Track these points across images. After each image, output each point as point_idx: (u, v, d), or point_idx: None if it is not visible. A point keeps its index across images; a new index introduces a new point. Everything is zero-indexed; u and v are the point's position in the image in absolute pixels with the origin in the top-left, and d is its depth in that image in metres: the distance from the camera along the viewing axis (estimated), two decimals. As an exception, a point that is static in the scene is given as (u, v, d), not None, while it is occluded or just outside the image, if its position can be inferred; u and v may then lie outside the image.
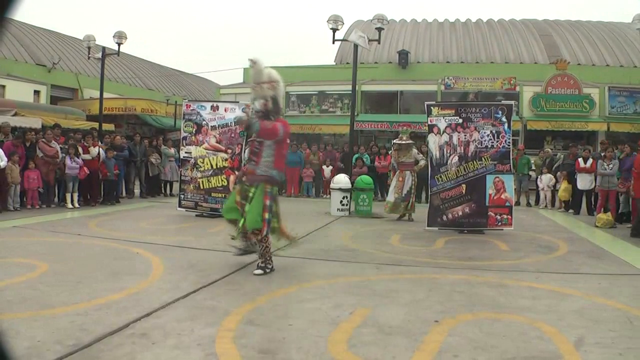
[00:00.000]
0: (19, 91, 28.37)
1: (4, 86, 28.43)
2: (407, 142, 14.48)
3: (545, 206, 18.26)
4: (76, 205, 15.01)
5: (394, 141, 15.04)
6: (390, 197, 14.40)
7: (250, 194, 7.52)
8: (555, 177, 18.08)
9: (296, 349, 4.53)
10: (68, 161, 14.75)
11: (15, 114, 22.75)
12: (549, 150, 22.29)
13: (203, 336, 4.79)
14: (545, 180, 18.24)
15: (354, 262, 8.44)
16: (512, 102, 13.70)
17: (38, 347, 4.44)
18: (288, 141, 8.17)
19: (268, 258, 7.53)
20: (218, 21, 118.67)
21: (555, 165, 18.44)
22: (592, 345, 4.78)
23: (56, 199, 15.30)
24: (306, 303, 6.00)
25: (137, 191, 19.08)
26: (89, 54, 22.75)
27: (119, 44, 21.93)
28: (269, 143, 7.50)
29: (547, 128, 28.57)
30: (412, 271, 7.91)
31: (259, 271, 7.40)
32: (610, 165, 14.33)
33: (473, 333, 5.02)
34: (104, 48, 22.96)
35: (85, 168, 15.09)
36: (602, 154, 14.91)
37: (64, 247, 9.28)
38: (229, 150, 13.53)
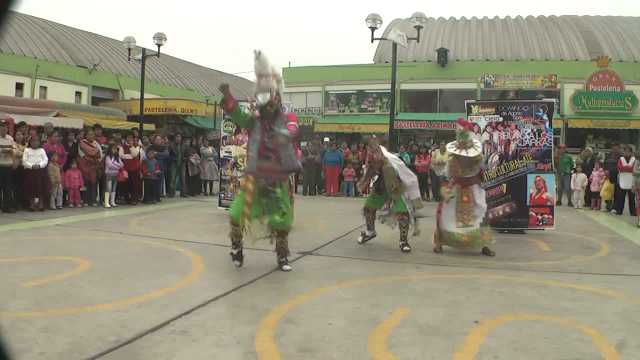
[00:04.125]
0: (61, 92, 28.91)
1: (45, 87, 28.95)
2: (467, 154, 9.07)
3: (578, 206, 17.95)
4: (113, 204, 15.20)
5: (449, 149, 9.49)
6: (451, 226, 9.25)
7: (277, 194, 7.39)
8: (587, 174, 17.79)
9: (336, 348, 4.53)
10: (108, 161, 14.95)
11: (57, 115, 23.12)
12: (590, 149, 21.96)
13: (243, 334, 4.82)
14: (579, 180, 17.93)
15: (394, 261, 8.40)
16: (554, 100, 13.49)
17: (80, 343, 4.51)
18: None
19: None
20: (256, 21, 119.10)
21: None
22: (634, 348, 4.70)
23: (98, 198, 15.52)
24: (346, 302, 6.00)
25: (177, 190, 19.27)
26: (129, 55, 23.01)
27: (158, 45, 22.14)
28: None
29: (588, 126, 28.18)
30: (452, 271, 7.86)
31: (289, 266, 7.57)
32: (646, 165, 14.06)
33: (513, 334, 4.97)
34: (144, 49, 23.19)
35: (125, 171, 15.29)
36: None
37: (105, 245, 9.41)
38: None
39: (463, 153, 9.05)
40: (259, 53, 7.00)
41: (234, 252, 7.58)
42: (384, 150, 9.38)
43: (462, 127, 9.31)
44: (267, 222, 7.53)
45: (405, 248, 9.25)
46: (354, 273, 7.62)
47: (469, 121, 12.11)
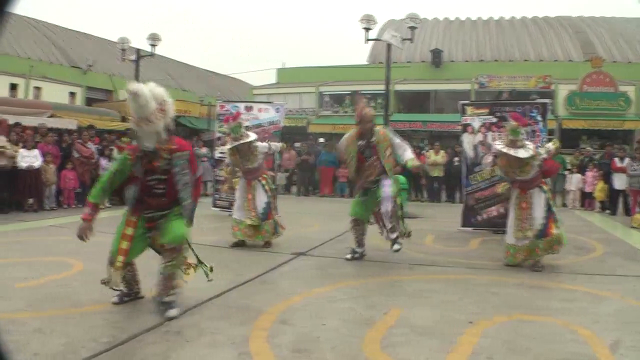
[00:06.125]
0: (55, 93, 28.74)
1: (40, 88, 28.84)
2: (515, 153, 7.81)
3: (574, 206, 18.02)
4: (107, 205, 15.16)
5: (497, 145, 8.41)
6: (509, 238, 8.31)
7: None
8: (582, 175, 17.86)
9: (330, 349, 4.53)
10: (102, 161, 14.94)
11: (51, 116, 23.02)
12: (590, 149, 22.02)
13: (237, 335, 4.82)
14: (575, 180, 17.99)
15: (387, 262, 8.38)
16: (548, 101, 13.49)
17: (73, 344, 4.50)
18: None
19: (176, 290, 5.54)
20: (248, 21, 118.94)
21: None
22: (628, 349, 4.70)
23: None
24: (340, 303, 6.00)
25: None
26: (123, 56, 22.97)
27: (153, 46, 22.13)
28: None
29: (582, 127, 28.23)
30: (446, 272, 7.85)
31: (174, 311, 5.32)
32: (640, 165, 14.12)
33: (507, 335, 4.97)
34: (138, 50, 23.16)
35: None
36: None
37: (99, 245, 9.30)
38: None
39: (512, 152, 7.81)
40: (136, 94, 5.28)
41: (116, 299, 5.81)
42: None
43: (514, 123, 8.02)
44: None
45: (395, 247, 8.22)
46: (348, 274, 7.62)
47: (463, 121, 12.16)
